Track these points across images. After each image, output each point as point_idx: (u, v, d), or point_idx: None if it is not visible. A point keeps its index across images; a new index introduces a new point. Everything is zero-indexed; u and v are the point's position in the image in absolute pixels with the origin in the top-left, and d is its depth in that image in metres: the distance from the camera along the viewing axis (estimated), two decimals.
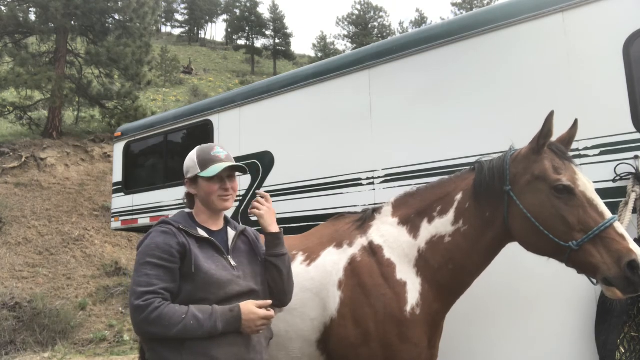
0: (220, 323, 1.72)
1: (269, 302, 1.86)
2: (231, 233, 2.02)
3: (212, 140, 5.33)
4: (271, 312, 1.84)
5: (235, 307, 1.77)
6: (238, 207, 4.90)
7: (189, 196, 2.05)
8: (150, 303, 1.67)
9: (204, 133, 5.48)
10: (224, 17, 57.72)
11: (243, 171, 2.05)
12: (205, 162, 1.97)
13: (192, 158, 2.01)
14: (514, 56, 3.39)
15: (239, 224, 2.14)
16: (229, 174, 1.99)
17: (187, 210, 2.06)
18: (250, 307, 1.78)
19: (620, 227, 1.89)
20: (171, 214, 5.75)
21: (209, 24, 63.39)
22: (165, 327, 1.66)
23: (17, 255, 10.49)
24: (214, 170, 1.93)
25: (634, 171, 2.80)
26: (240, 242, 2.02)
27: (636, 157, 2.83)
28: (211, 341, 1.72)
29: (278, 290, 1.99)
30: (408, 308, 2.23)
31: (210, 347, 1.72)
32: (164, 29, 58.44)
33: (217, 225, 2.01)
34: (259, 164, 4.83)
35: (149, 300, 1.68)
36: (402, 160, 3.80)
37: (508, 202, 2.12)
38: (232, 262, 1.89)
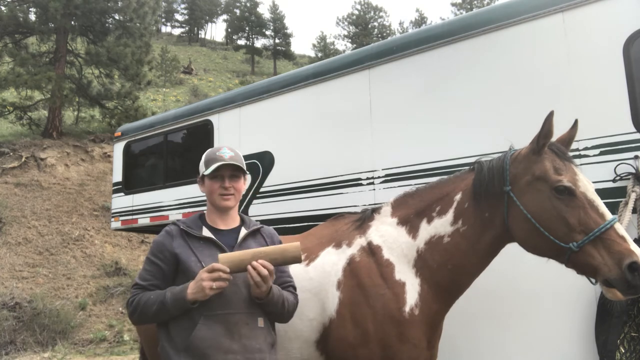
0: (169, 292, 1.85)
1: (222, 267, 1.78)
2: (243, 232, 2.09)
3: (211, 141, 5.33)
4: (218, 271, 1.77)
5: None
6: (238, 208, 4.89)
7: None
8: (135, 295, 1.93)
9: (204, 133, 5.48)
10: (224, 17, 57.78)
11: (242, 171, 2.10)
12: (209, 161, 2.06)
13: (202, 158, 2.12)
14: (514, 56, 3.38)
15: (258, 223, 2.21)
16: (231, 173, 2.06)
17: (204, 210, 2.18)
18: (199, 275, 1.81)
19: (621, 229, 1.88)
20: (170, 214, 5.82)
21: (209, 24, 63.49)
22: (141, 311, 1.88)
23: (17, 255, 10.49)
24: (211, 168, 2.01)
25: (634, 171, 2.80)
26: (251, 241, 2.06)
27: (636, 157, 2.82)
28: (190, 328, 1.83)
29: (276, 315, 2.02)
30: (407, 308, 2.23)
31: (188, 336, 1.82)
32: (164, 29, 58.48)
33: (226, 225, 2.09)
34: (259, 164, 4.82)
35: (135, 293, 1.94)
36: (402, 160, 3.80)
37: (508, 203, 2.11)
38: None
